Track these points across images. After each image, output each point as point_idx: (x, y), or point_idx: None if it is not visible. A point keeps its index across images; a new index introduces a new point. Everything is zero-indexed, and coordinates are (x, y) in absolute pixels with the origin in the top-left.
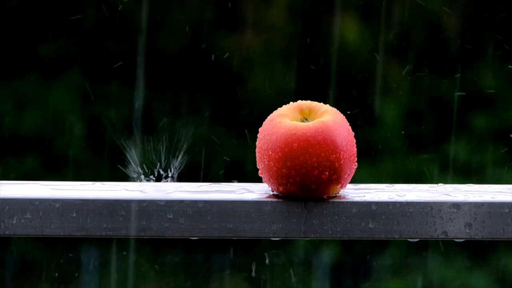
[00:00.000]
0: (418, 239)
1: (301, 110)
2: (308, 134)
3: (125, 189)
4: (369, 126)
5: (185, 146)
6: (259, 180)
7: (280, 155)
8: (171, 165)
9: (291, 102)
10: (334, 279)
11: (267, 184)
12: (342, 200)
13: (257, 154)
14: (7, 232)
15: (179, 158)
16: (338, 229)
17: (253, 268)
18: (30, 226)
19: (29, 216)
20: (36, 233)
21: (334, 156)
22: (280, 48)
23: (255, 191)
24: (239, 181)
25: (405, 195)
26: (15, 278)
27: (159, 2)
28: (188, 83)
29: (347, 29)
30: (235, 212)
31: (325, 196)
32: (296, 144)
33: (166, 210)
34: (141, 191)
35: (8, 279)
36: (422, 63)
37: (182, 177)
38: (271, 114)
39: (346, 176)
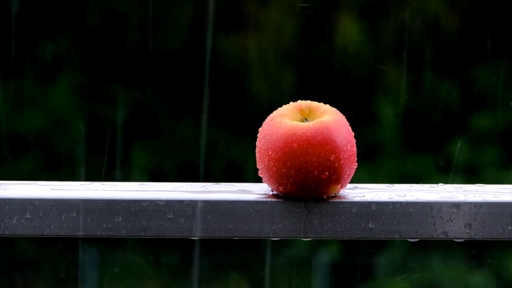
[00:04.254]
0: (418, 239)
1: (301, 110)
2: (308, 134)
3: (125, 189)
4: (369, 126)
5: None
6: (259, 180)
7: (280, 155)
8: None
9: (291, 102)
10: (334, 279)
11: (267, 184)
12: (342, 200)
13: (257, 154)
14: (7, 232)
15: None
16: (338, 229)
17: (253, 268)
18: (30, 226)
19: (29, 216)
20: (36, 233)
21: (334, 156)
22: (280, 48)
23: (255, 191)
24: (239, 181)
25: (405, 195)
26: (15, 278)
27: (160, 1)
28: (188, 82)
29: (347, 29)
30: (235, 212)
31: (325, 196)
32: (296, 144)
33: (166, 210)
34: (141, 191)
35: (8, 279)
36: (422, 63)
37: (183, 177)
38: (271, 114)
39: (346, 176)
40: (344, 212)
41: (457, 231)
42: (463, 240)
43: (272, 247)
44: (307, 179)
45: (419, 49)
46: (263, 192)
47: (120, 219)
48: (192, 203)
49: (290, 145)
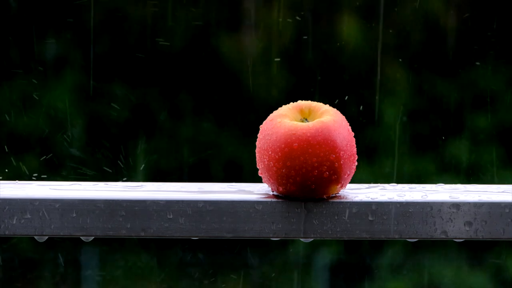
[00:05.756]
0: (418, 239)
1: (301, 110)
2: (308, 134)
3: (125, 189)
4: (369, 126)
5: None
6: (259, 180)
7: (280, 155)
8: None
9: (291, 102)
10: (334, 279)
11: (267, 184)
12: (342, 200)
13: (257, 154)
14: (7, 232)
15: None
16: (338, 229)
17: (253, 268)
18: (30, 226)
19: (29, 216)
20: (36, 233)
21: (334, 156)
22: (280, 48)
23: (255, 191)
24: (238, 181)
25: (405, 195)
26: (15, 278)
27: (160, 1)
28: (189, 82)
29: (347, 29)
30: (235, 212)
31: (325, 196)
32: (296, 144)
33: (166, 210)
34: (141, 191)
35: (8, 279)
36: (422, 63)
37: (183, 177)
38: (271, 114)
39: (346, 176)
40: (344, 212)
41: (457, 231)
42: (463, 240)
43: (272, 247)
44: (307, 179)
45: (419, 49)
46: (263, 192)
47: (120, 219)
48: (192, 203)
49: (290, 145)
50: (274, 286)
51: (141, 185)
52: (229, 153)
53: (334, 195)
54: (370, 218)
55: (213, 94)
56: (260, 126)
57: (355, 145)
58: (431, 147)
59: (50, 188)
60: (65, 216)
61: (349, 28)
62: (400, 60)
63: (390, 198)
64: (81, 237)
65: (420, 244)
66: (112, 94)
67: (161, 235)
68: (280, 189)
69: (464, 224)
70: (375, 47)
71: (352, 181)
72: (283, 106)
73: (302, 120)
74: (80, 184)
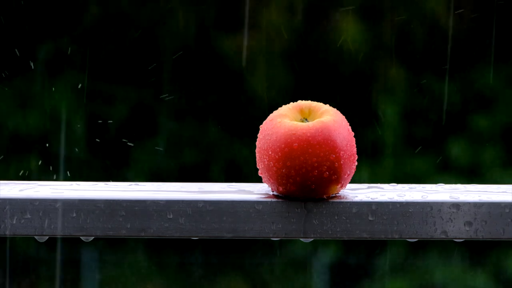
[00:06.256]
0: (418, 239)
1: (301, 110)
2: (308, 134)
3: (125, 189)
4: (369, 126)
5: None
6: (259, 180)
7: (280, 155)
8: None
9: (291, 102)
10: (334, 279)
11: (267, 184)
12: (342, 200)
13: (257, 154)
14: (7, 232)
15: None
16: (338, 229)
17: (253, 268)
18: (30, 226)
19: (29, 216)
20: (36, 233)
21: (334, 156)
22: (280, 48)
23: (255, 191)
24: (238, 181)
25: (405, 195)
26: (15, 278)
27: (160, 2)
28: (188, 82)
29: (347, 29)
30: (235, 212)
31: (325, 196)
32: (296, 144)
33: (166, 210)
34: (141, 191)
35: (8, 279)
36: (422, 63)
37: (183, 177)
38: (271, 114)
39: (346, 176)
40: (344, 212)
41: (457, 231)
42: (463, 240)
43: (272, 247)
44: (307, 179)
45: (419, 49)
46: (263, 192)
47: (120, 219)
48: (192, 203)
49: (290, 145)
50: (274, 286)
51: (141, 185)
52: (229, 153)
53: (334, 195)
54: (370, 218)
55: (213, 94)
56: (260, 126)
57: (355, 145)
58: (431, 147)
59: (50, 188)
60: (65, 216)
61: (349, 28)
62: (400, 60)
63: (390, 198)
64: (81, 237)
65: (420, 244)
66: (112, 94)
67: (161, 235)
68: (280, 189)
69: (464, 224)
70: (375, 47)
71: (352, 181)
72: (283, 106)
73: (302, 120)
74: (80, 184)
